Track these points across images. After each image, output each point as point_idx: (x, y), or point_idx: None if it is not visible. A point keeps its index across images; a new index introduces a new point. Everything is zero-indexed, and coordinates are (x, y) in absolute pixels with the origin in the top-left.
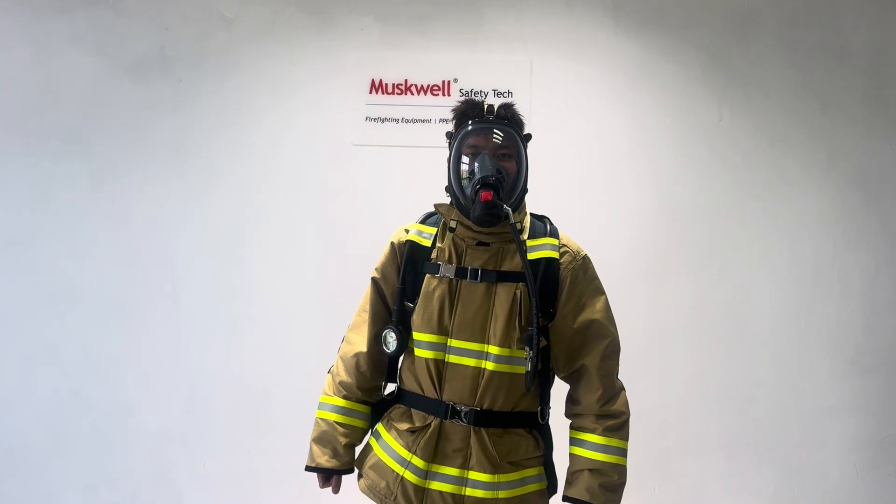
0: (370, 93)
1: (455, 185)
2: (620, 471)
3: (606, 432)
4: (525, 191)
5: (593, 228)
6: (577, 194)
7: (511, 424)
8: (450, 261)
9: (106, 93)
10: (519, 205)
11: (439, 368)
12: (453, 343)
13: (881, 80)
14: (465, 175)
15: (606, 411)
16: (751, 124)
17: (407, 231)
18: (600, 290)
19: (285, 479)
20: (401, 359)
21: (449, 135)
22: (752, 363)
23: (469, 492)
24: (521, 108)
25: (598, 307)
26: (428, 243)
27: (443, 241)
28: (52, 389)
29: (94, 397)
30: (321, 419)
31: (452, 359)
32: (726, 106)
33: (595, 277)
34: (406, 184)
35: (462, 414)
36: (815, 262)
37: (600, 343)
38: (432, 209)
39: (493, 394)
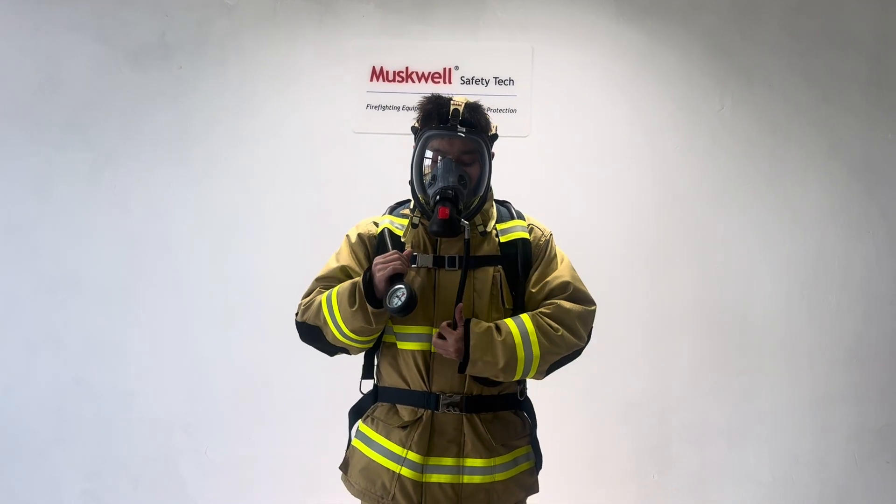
0: (371, 80)
1: (417, 185)
2: (507, 350)
3: (533, 317)
4: (488, 193)
5: (594, 217)
6: (577, 182)
7: (499, 407)
8: (425, 250)
9: (107, 81)
10: (481, 208)
11: (426, 360)
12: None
13: (884, 69)
14: (427, 176)
15: (548, 311)
16: (752, 113)
17: (376, 224)
18: (563, 258)
19: (286, 467)
20: (376, 356)
21: (414, 130)
22: (752, 352)
23: (467, 479)
24: (522, 96)
25: (561, 268)
26: (400, 233)
27: (406, 237)
28: (54, 376)
29: (97, 385)
30: (323, 300)
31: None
32: (728, 95)
33: (557, 251)
34: (407, 172)
35: (453, 402)
36: (816, 251)
37: (565, 292)
38: (396, 202)
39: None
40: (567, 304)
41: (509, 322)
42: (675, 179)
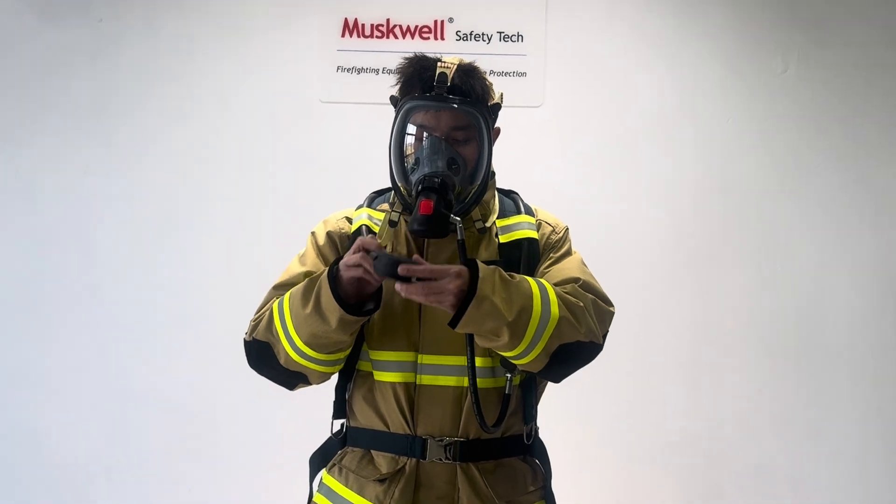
0: (343, 36)
1: (396, 171)
2: (521, 295)
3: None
4: (488, 179)
5: (621, 209)
6: (600, 166)
7: (503, 454)
8: (409, 253)
9: (8, 34)
10: (481, 197)
11: (410, 394)
12: (426, 360)
13: None
14: (409, 160)
15: (564, 289)
16: (823, 77)
17: (349, 220)
18: (574, 254)
19: None
20: (348, 388)
21: (394, 100)
22: (822, 379)
23: None
24: (534, 56)
25: (571, 264)
26: (377, 228)
27: (382, 237)
28: None
29: None
30: (275, 307)
31: (426, 380)
32: (793, 53)
33: (571, 247)
34: (387, 149)
35: (444, 449)
36: None
37: (575, 278)
38: (376, 191)
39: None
40: (582, 290)
41: (521, 276)
42: (724, 162)
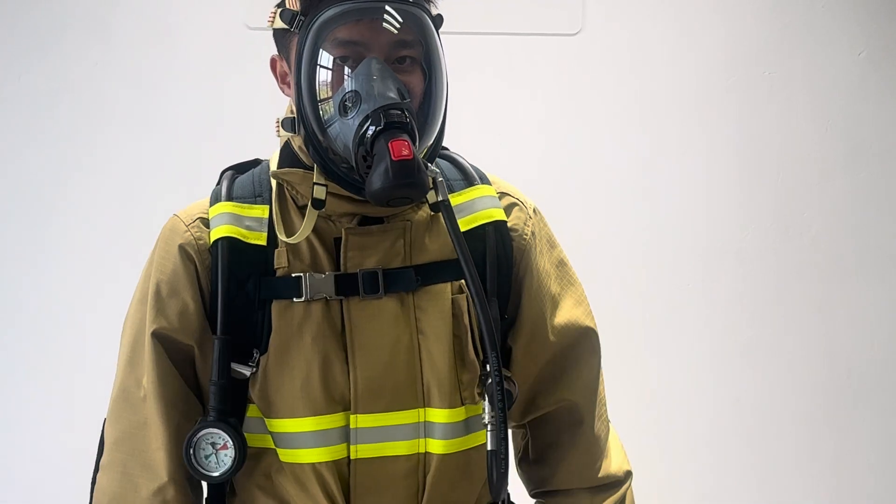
0: None
1: (313, 121)
2: None
3: None
4: (444, 124)
5: (687, 175)
6: (658, 116)
7: None
8: (315, 264)
9: None
10: (437, 149)
11: (343, 477)
12: (363, 422)
13: None
14: (331, 100)
15: (605, 478)
16: None
17: (205, 222)
18: (570, 271)
19: None
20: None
21: (290, 17)
22: None
23: None
24: None
25: (577, 298)
26: (259, 239)
27: (296, 232)
28: None
29: None
30: None
31: (365, 452)
32: None
33: (556, 243)
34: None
35: None
36: None
37: (590, 361)
38: (258, 169)
39: (446, 495)
40: (615, 451)
41: None
42: (850, 118)
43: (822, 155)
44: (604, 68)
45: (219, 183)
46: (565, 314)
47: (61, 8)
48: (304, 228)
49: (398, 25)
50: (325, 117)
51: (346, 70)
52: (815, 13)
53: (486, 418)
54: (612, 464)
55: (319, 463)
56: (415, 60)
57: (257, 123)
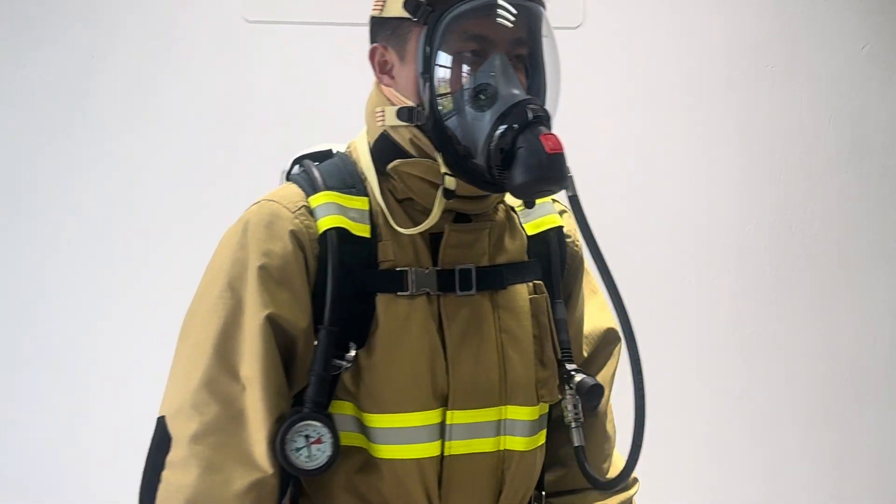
0: None
1: (444, 112)
2: None
3: None
4: None
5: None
6: (660, 109)
7: None
8: (417, 259)
9: None
10: None
11: (438, 474)
12: (458, 419)
13: None
14: (463, 92)
15: (615, 479)
16: None
17: (309, 210)
18: (593, 279)
19: None
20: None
21: (415, 7)
22: None
23: None
24: None
25: (601, 303)
26: (364, 231)
27: (405, 226)
28: None
29: None
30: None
31: (458, 448)
32: None
33: None
34: (330, 82)
35: None
36: None
37: (611, 363)
38: (338, 159)
39: (518, 492)
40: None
41: None
42: (854, 113)
43: (825, 149)
44: (605, 61)
45: (300, 171)
46: (594, 319)
47: (59, 1)
48: (431, 219)
49: (525, 23)
50: (456, 109)
51: (476, 64)
52: (818, 7)
53: (570, 416)
54: (619, 467)
55: (423, 461)
56: (531, 57)
57: (256, 116)
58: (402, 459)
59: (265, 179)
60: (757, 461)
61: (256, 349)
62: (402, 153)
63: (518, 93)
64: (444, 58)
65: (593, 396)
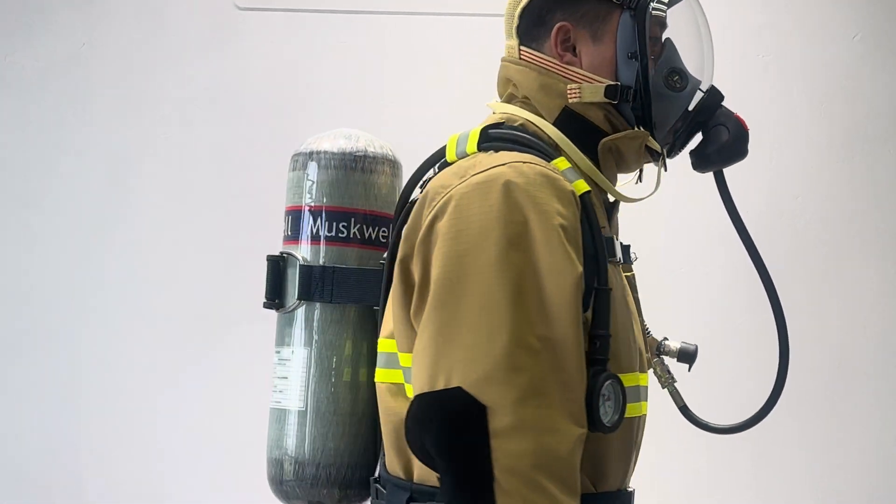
0: None
1: (656, 90)
2: None
3: None
4: None
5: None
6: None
7: None
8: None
9: None
10: None
11: (638, 433)
12: (643, 381)
13: None
14: (665, 73)
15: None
16: None
17: (560, 173)
18: None
19: None
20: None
21: None
22: None
23: None
24: None
25: None
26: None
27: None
28: None
29: None
30: None
31: (646, 409)
32: None
33: None
34: (321, 69)
35: None
36: None
37: None
38: (530, 133)
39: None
40: None
41: None
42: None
43: (817, 139)
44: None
45: (510, 136)
46: None
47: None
48: (656, 186)
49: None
50: (664, 88)
51: (670, 48)
52: None
53: (667, 379)
54: None
55: (640, 417)
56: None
57: (247, 102)
58: (629, 417)
59: (256, 166)
60: (745, 451)
61: (567, 308)
62: (593, 128)
63: (710, 79)
64: (653, 42)
65: (694, 359)
